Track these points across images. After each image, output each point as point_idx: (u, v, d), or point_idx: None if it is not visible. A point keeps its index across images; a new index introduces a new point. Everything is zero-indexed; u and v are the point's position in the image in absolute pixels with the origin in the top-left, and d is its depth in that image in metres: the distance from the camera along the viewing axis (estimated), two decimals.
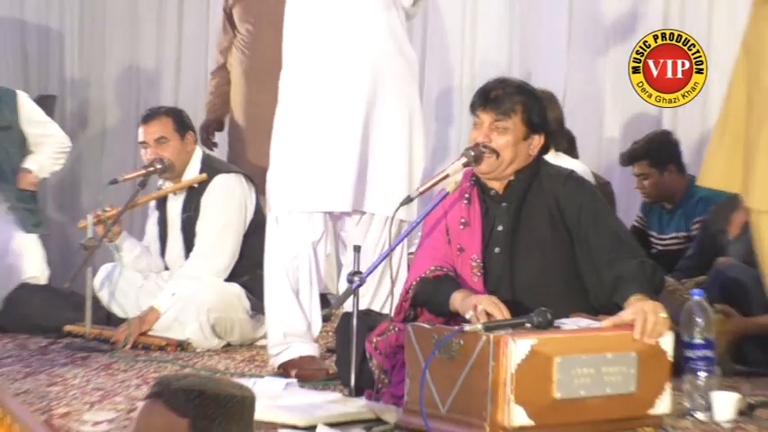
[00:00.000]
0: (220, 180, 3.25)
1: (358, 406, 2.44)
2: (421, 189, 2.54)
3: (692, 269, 3.54)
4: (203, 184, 3.26)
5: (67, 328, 3.31)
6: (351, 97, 2.76)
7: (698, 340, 2.36)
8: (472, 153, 2.35)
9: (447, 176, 2.46)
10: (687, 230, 3.93)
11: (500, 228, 2.45)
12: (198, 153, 3.33)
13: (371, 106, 2.75)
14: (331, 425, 2.25)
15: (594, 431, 2.27)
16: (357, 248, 2.59)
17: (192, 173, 3.27)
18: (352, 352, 2.53)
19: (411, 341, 2.25)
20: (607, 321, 2.25)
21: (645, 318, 2.14)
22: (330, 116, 2.75)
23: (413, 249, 2.91)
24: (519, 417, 2.05)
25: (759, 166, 2.43)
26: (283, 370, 2.76)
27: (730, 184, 2.59)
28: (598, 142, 4.69)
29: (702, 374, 2.35)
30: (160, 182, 3.43)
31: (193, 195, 3.27)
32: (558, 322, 2.21)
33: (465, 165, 2.39)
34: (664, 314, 2.19)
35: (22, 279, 3.20)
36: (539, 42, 4.88)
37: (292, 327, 2.80)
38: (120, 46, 5.45)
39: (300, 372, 2.71)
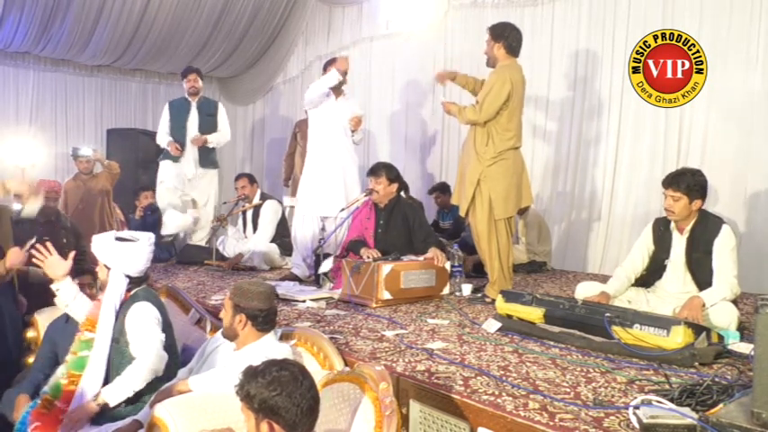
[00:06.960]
0: (268, 203, 5.61)
1: (323, 291, 4.04)
2: (349, 204, 4.30)
3: (453, 236, 5.40)
4: (261, 205, 5.60)
5: (206, 261, 5.44)
6: (336, 166, 4.57)
7: (456, 264, 4.03)
8: (369, 191, 4.01)
9: (358, 200, 4.11)
10: (452, 221, 5.84)
11: (381, 221, 4.14)
12: (258, 191, 5.47)
13: (342, 170, 4.55)
14: (312, 299, 3.75)
15: (418, 300, 3.70)
16: (322, 237, 4.25)
17: (257, 200, 5.38)
18: (320, 269, 4.28)
19: (343, 265, 3.85)
20: (422, 257, 3.84)
21: (438, 256, 3.81)
22: (327, 176, 4.47)
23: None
24: (387, 295, 3.60)
25: (457, 193, 3.82)
26: (294, 278, 4.54)
27: (456, 202, 3.90)
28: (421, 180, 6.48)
29: (458, 277, 4.03)
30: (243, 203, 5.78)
31: (258, 209, 5.62)
32: (403, 258, 3.79)
33: (366, 195, 4.05)
34: (444, 254, 3.86)
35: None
36: None
37: (298, 262, 4.55)
38: None
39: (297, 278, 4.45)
